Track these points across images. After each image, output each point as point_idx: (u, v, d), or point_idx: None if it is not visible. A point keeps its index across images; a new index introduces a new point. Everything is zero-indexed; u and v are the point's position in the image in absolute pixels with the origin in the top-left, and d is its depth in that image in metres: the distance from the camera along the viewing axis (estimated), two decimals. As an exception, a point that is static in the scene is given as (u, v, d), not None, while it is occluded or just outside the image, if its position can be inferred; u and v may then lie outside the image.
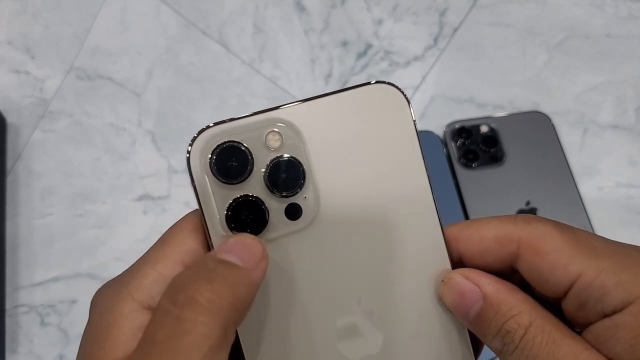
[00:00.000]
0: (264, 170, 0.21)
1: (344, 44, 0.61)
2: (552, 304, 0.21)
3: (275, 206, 0.22)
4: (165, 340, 0.17)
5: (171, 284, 0.19)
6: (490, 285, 0.21)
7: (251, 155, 0.21)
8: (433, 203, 0.23)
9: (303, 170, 0.22)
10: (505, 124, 0.56)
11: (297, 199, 0.22)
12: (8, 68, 0.60)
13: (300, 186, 0.22)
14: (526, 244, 0.21)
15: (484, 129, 0.56)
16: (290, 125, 0.22)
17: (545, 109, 0.58)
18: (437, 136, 0.56)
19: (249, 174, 0.21)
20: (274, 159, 0.21)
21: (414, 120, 0.23)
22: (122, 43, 0.61)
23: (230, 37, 0.61)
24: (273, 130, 0.22)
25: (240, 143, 0.21)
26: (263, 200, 0.21)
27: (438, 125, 0.57)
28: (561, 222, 0.21)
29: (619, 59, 0.60)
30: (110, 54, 0.60)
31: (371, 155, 0.22)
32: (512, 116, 0.57)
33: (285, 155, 0.22)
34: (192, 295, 0.18)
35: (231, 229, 0.21)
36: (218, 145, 0.21)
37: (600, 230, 0.52)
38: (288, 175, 0.21)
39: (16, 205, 0.55)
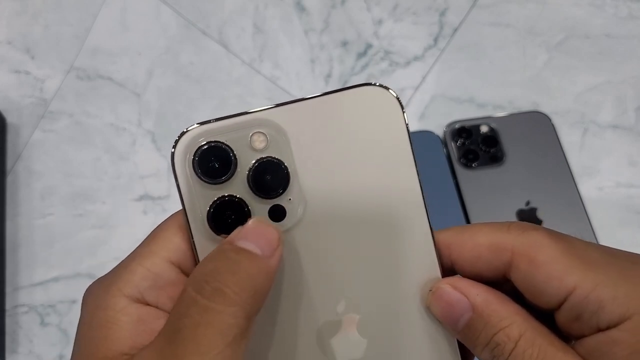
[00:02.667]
0: (247, 171, 0.21)
1: (344, 44, 0.61)
2: (545, 314, 0.21)
3: (259, 207, 0.21)
4: (191, 328, 0.18)
5: (196, 274, 0.19)
6: (480, 296, 0.21)
7: (235, 155, 0.21)
8: (424, 209, 0.22)
9: (287, 172, 0.21)
10: (505, 124, 0.56)
11: (281, 201, 0.22)
12: (8, 68, 0.60)
13: (284, 188, 0.21)
14: (520, 253, 0.21)
15: (484, 129, 0.56)
16: (276, 127, 0.21)
17: (545, 109, 0.58)
18: (437, 136, 0.56)
19: (232, 175, 0.21)
20: (258, 160, 0.21)
21: (407, 123, 0.22)
22: (122, 43, 0.61)
23: (230, 37, 0.61)
24: (258, 131, 0.21)
25: (224, 143, 0.21)
26: (246, 201, 0.21)
27: (438, 125, 0.57)
28: (556, 230, 0.21)
29: (619, 59, 0.60)
30: (110, 54, 0.60)
31: (360, 159, 0.22)
32: (512, 116, 0.56)
33: (270, 157, 0.21)
34: (219, 287, 0.18)
35: (213, 228, 0.21)
36: (202, 145, 0.21)
37: (600, 230, 0.52)
38: (272, 177, 0.21)
39: (16, 205, 0.55)
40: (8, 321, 0.51)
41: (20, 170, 0.56)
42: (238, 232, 0.20)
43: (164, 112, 0.58)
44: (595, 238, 0.52)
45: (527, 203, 0.53)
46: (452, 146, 0.55)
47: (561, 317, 0.20)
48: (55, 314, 0.52)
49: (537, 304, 0.21)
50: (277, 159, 0.21)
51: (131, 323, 0.20)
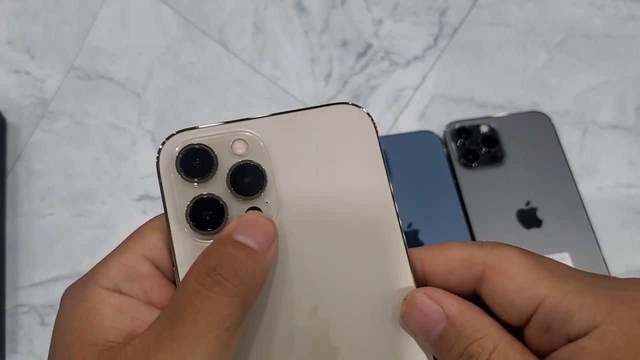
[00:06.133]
0: (227, 172, 0.23)
1: (344, 44, 0.61)
2: (514, 332, 0.21)
3: (236, 207, 0.23)
4: (192, 313, 0.19)
5: (198, 267, 0.20)
6: (454, 306, 0.21)
7: (216, 157, 0.23)
8: (397, 221, 0.23)
9: (265, 176, 0.23)
10: (505, 124, 0.56)
11: (259, 203, 0.23)
12: (8, 68, 0.60)
13: (261, 190, 0.23)
14: (492, 266, 0.21)
15: (484, 129, 0.56)
16: (257, 135, 0.23)
17: (545, 109, 0.58)
18: (437, 136, 0.56)
19: (213, 175, 0.23)
20: (238, 162, 0.23)
21: (380, 142, 0.24)
22: (122, 43, 0.61)
23: (230, 37, 0.61)
24: (240, 138, 0.23)
25: (206, 145, 0.23)
26: (224, 200, 0.23)
27: (438, 125, 0.57)
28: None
29: (619, 59, 0.60)
30: (110, 54, 0.60)
31: (335, 171, 0.23)
32: (512, 116, 0.56)
33: (249, 160, 0.23)
34: (220, 279, 0.19)
35: (191, 224, 0.22)
36: (186, 146, 0.23)
37: (600, 230, 0.52)
38: (250, 179, 0.23)
39: (16, 205, 0.55)
40: (8, 321, 0.51)
41: (20, 170, 0.56)
42: (237, 223, 0.21)
43: (164, 112, 0.58)
44: (596, 238, 0.52)
45: (527, 203, 0.53)
46: (452, 146, 0.55)
47: (531, 332, 0.20)
48: (55, 314, 0.51)
49: (507, 319, 0.21)
50: (255, 162, 0.23)
51: (112, 312, 0.21)
